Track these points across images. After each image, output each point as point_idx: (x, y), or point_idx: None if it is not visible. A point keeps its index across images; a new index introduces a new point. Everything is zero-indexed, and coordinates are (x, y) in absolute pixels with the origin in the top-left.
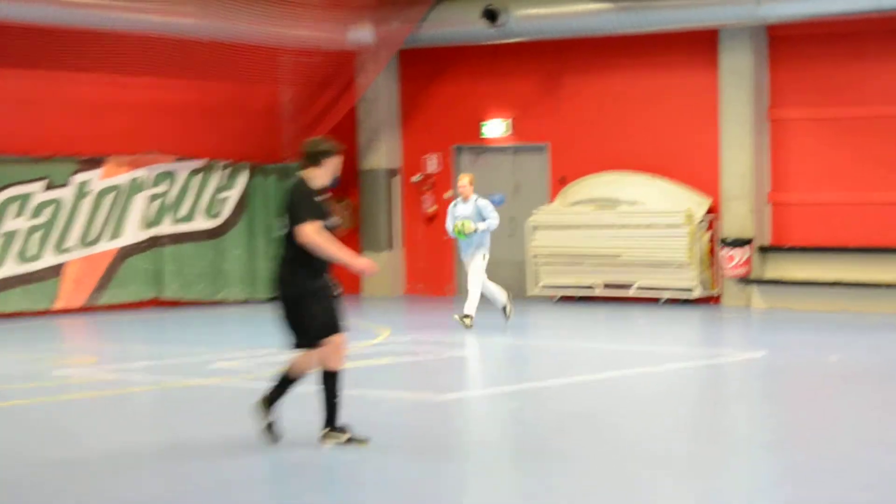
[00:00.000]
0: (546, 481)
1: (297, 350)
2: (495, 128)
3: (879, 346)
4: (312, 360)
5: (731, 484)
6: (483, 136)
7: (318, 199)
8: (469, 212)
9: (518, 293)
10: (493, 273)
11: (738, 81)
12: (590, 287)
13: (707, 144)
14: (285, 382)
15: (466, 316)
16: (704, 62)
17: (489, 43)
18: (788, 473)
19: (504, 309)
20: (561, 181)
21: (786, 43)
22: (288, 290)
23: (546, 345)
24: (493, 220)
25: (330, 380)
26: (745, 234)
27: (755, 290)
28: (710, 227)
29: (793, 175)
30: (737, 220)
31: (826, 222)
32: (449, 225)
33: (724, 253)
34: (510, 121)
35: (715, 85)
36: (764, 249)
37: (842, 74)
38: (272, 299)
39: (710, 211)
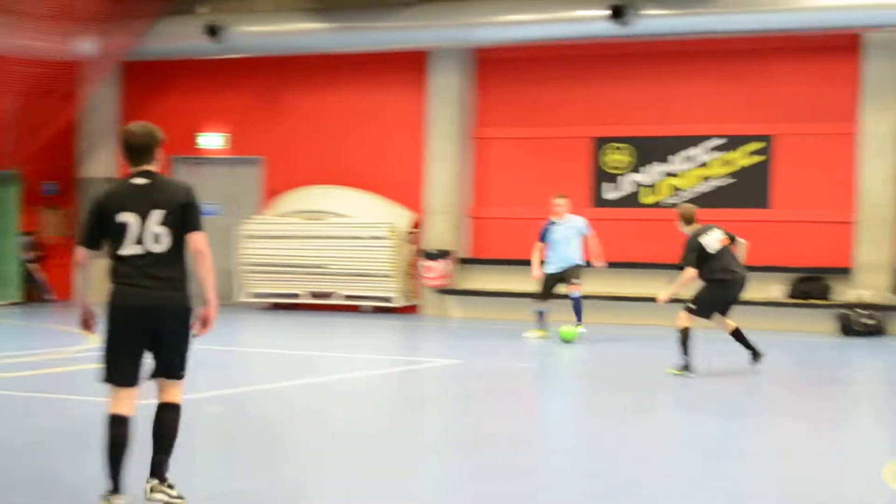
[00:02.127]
0: (243, 482)
1: None
2: (212, 140)
3: (564, 353)
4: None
5: (426, 482)
6: (199, 148)
7: None
8: None
9: (226, 300)
10: None
11: (445, 101)
12: (296, 295)
13: (414, 161)
14: None
15: None
16: (415, 82)
17: (210, 57)
18: (479, 472)
19: None
20: (273, 193)
21: (491, 65)
22: (180, 305)
23: (251, 351)
24: None
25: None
26: (446, 247)
27: (453, 301)
28: (414, 239)
29: (492, 191)
30: (438, 234)
31: (519, 235)
32: None
33: (425, 264)
34: (227, 134)
35: (423, 104)
36: (463, 261)
37: (539, 96)
38: (141, 315)
39: (414, 224)
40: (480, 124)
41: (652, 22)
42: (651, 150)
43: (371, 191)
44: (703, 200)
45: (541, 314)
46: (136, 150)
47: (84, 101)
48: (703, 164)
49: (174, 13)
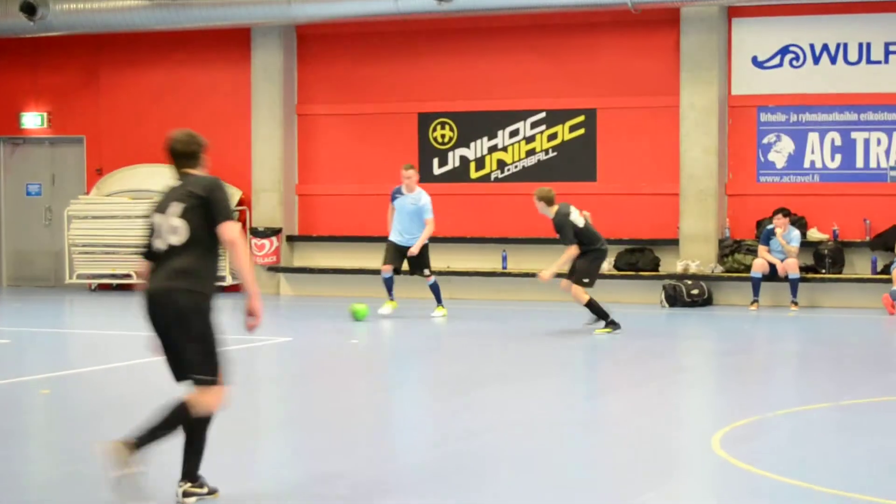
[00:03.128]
0: (76, 465)
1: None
2: (32, 120)
3: (392, 329)
4: None
5: (254, 459)
6: (22, 128)
7: None
8: None
9: (56, 282)
10: (30, 264)
11: (268, 78)
12: (127, 275)
13: (240, 139)
14: None
15: None
16: (238, 59)
17: (29, 36)
18: (306, 449)
19: None
20: (98, 172)
21: (313, 42)
22: (184, 292)
23: (80, 332)
24: None
25: None
26: (275, 224)
27: (283, 278)
28: (241, 217)
29: (318, 167)
30: (267, 211)
31: (347, 212)
32: None
33: (255, 242)
34: (46, 113)
35: (248, 82)
36: (291, 239)
37: (361, 73)
38: (150, 305)
39: (241, 202)
40: (304, 101)
41: None
42: (476, 125)
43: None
44: (530, 174)
45: (388, 281)
46: (174, 156)
47: None
48: (529, 139)
49: None
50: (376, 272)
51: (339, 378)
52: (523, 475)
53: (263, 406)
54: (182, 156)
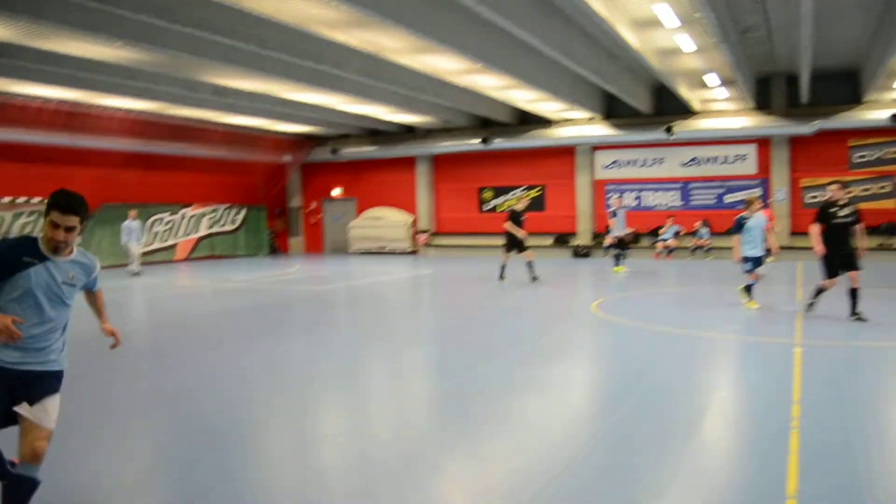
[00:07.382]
0: (347, 314)
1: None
2: (335, 191)
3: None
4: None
5: (430, 323)
6: (331, 195)
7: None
8: None
9: (345, 250)
10: (336, 244)
11: (423, 175)
12: (381, 248)
13: (411, 197)
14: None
15: None
16: (411, 167)
17: (332, 161)
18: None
19: None
20: (360, 210)
21: (441, 159)
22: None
23: (358, 269)
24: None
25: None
26: (425, 227)
27: (430, 249)
28: (413, 224)
29: (442, 206)
30: (424, 223)
31: (452, 223)
32: None
33: (419, 234)
34: (342, 188)
35: (414, 176)
36: (434, 234)
37: (457, 171)
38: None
39: (414, 221)
40: (437, 182)
41: (498, 144)
42: (501, 191)
43: (397, 208)
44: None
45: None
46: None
47: (288, 177)
48: (519, 196)
49: (317, 146)
50: (468, 247)
51: (460, 290)
52: (509, 323)
53: (431, 299)
54: None
